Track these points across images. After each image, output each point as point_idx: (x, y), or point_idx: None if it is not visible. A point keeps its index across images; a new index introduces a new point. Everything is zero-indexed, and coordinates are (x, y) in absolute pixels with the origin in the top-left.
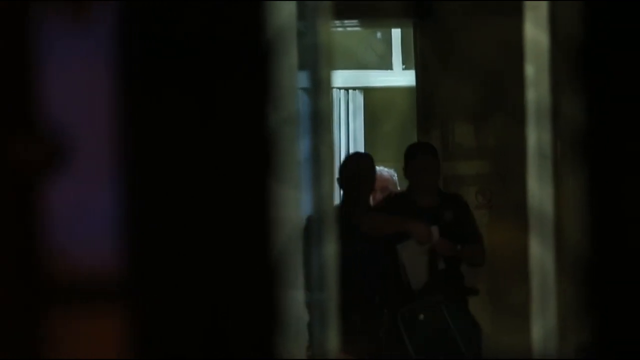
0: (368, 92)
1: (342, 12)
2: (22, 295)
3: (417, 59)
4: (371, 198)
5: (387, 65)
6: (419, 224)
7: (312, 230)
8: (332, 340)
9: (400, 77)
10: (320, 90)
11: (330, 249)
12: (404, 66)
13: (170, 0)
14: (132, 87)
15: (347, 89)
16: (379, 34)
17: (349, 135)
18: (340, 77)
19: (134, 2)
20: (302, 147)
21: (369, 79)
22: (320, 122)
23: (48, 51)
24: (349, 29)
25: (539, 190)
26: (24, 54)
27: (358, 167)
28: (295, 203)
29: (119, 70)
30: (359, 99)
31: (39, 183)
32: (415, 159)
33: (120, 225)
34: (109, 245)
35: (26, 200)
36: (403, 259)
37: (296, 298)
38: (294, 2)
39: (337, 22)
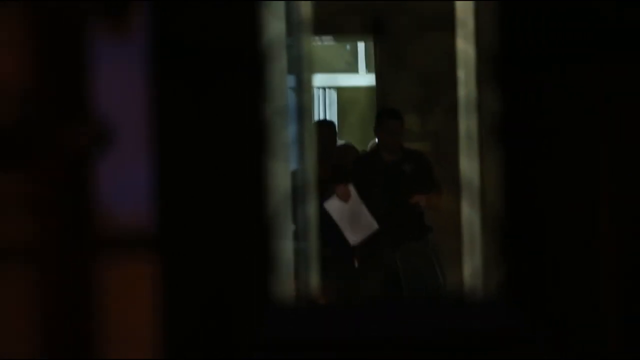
0: (340, 91)
1: (320, 30)
2: (77, 245)
3: (376, 65)
4: None
5: (354, 69)
6: (339, 185)
7: (298, 191)
8: (314, 280)
9: (364, 79)
10: (303, 89)
11: (312, 209)
12: (367, 70)
13: (190, 22)
14: (160, 85)
15: (324, 88)
16: (347, 46)
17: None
18: (319, 79)
19: (161, 22)
20: (289, 132)
21: (340, 80)
22: (304, 114)
23: (97, 57)
24: (325, 42)
25: (468, 165)
26: (79, 59)
27: (321, 134)
28: (284, 174)
29: (150, 73)
30: (333, 96)
31: (89, 160)
32: (383, 120)
33: (151, 194)
34: (142, 208)
35: (79, 174)
36: (333, 215)
37: (286, 247)
38: (283, 20)
39: (317, 38)
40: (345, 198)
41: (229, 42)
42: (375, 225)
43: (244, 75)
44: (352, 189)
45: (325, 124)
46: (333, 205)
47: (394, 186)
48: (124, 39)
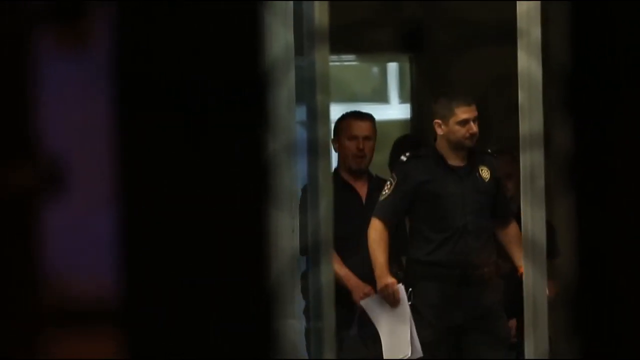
0: None
1: (338, 46)
2: (19, 319)
3: (413, 92)
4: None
5: (383, 98)
6: (387, 279)
7: (309, 250)
8: None
9: (396, 110)
10: (318, 118)
11: (327, 276)
12: (400, 100)
13: (167, 28)
14: (129, 114)
15: None
16: (375, 68)
17: None
18: (336, 111)
19: (131, 31)
20: (298, 175)
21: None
22: (319, 149)
23: (45, 77)
24: (345, 63)
25: (532, 216)
26: (22, 78)
27: (361, 129)
28: (290, 231)
29: (115, 97)
30: None
31: (36, 208)
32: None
33: (116, 250)
34: (105, 268)
35: (24, 225)
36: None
37: (293, 327)
38: (290, 32)
39: (334, 57)
40: (391, 300)
41: (220, 61)
42: (409, 354)
43: (239, 103)
44: (402, 290)
45: (364, 118)
46: (371, 305)
47: (471, 208)
48: (81, 53)
